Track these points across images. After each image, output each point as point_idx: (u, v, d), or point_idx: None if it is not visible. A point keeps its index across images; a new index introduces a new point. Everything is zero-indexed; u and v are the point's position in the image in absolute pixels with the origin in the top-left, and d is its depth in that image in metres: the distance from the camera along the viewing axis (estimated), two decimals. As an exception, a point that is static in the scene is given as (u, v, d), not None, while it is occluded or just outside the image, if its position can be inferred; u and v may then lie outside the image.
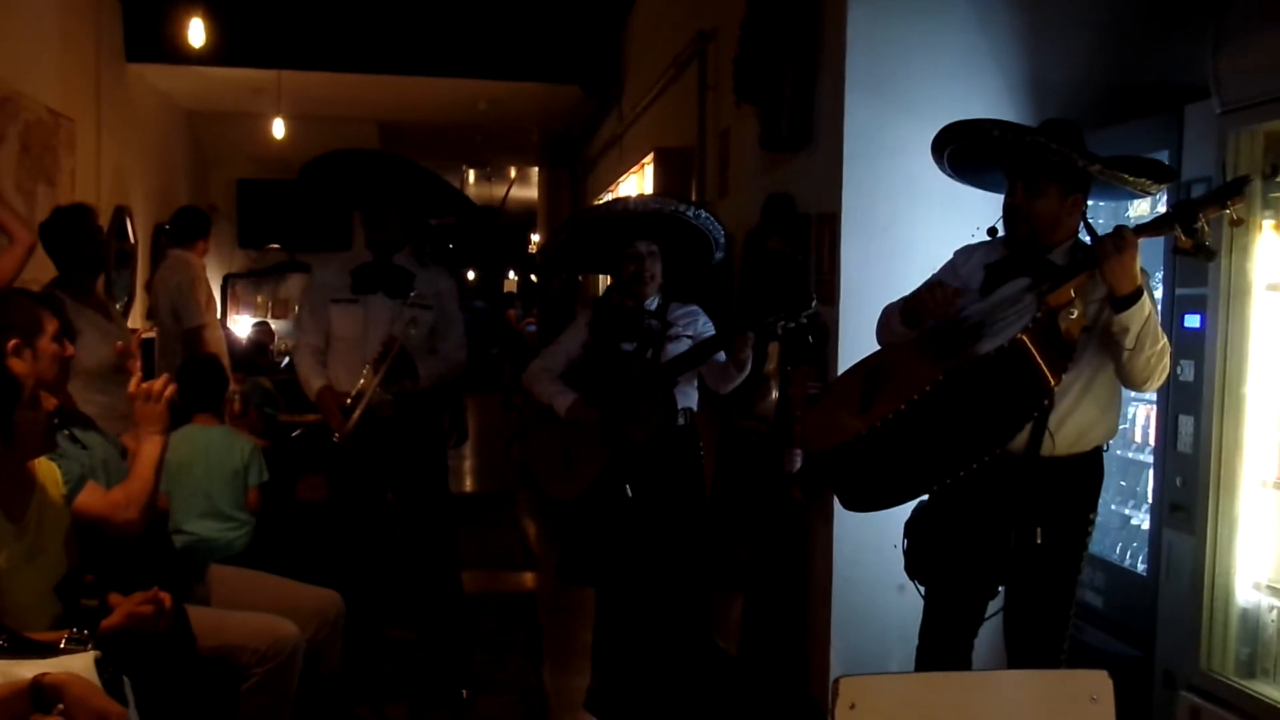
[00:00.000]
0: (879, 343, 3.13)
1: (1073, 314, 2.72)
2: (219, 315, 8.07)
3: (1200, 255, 2.72)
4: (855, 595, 3.91)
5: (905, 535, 3.14)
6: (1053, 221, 2.89)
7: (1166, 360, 2.82)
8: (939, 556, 3.06)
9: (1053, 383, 2.71)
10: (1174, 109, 3.33)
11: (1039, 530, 2.88)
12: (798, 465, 4.00)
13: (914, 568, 3.11)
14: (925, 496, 3.08)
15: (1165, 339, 2.80)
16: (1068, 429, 2.88)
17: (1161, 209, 3.32)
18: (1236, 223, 2.76)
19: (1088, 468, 2.97)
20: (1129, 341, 2.74)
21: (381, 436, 3.90)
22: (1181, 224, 2.67)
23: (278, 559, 4.33)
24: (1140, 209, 3.60)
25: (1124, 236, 2.69)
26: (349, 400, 3.83)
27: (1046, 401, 2.77)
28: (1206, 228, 2.66)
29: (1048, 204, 2.88)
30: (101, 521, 2.75)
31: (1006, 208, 2.95)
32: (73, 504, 2.69)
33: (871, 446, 2.75)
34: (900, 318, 3.01)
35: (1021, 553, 2.92)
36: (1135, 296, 2.70)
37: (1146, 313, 2.73)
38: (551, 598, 5.65)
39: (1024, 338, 2.68)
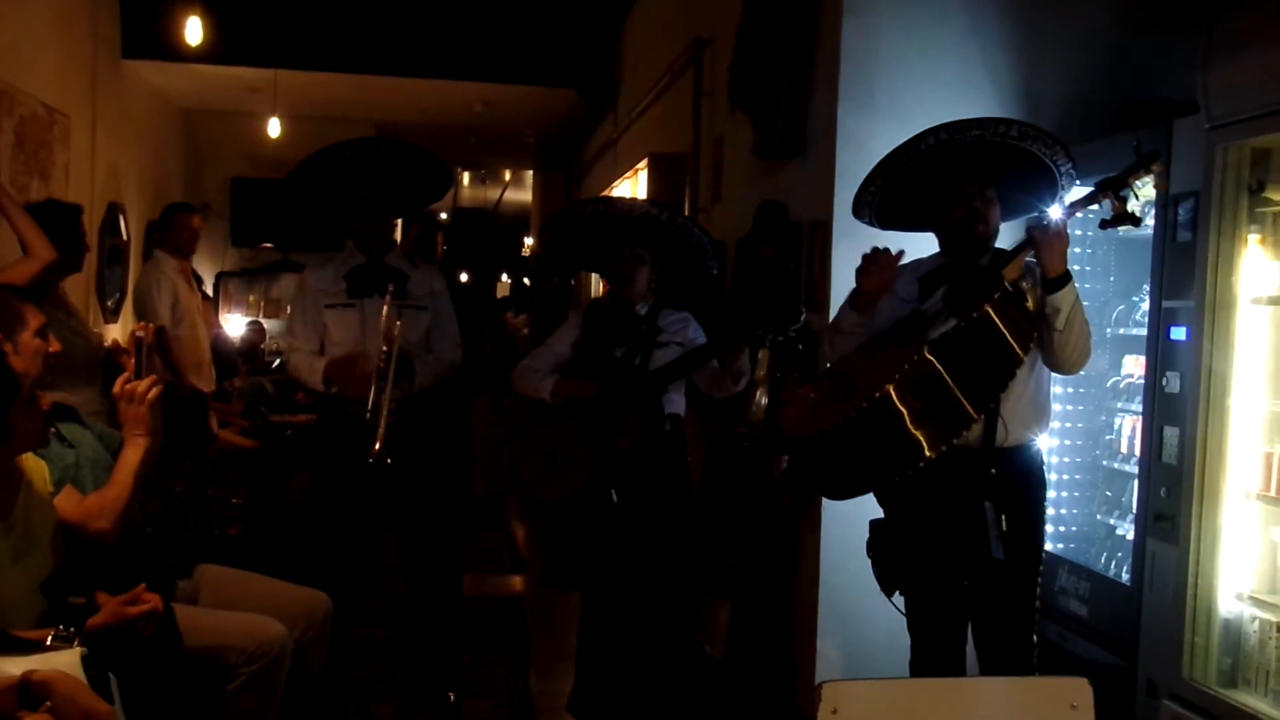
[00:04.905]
0: (828, 359, 3.19)
1: (1026, 284, 2.89)
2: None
3: (1128, 221, 2.89)
4: (841, 601, 3.92)
5: (869, 553, 3.17)
6: (997, 228, 3.08)
7: (1090, 343, 2.98)
8: (911, 565, 3.09)
9: (1020, 353, 2.83)
10: (1163, 123, 3.35)
11: (1003, 518, 2.94)
12: (784, 468, 4.01)
13: (885, 580, 3.15)
14: (881, 514, 3.16)
15: (1089, 324, 2.97)
16: (1019, 417, 3.00)
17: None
18: (1160, 186, 2.97)
19: (1035, 460, 3.11)
20: (1060, 322, 2.89)
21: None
22: (1113, 189, 2.85)
23: (269, 558, 4.34)
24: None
25: (1057, 222, 2.85)
26: (367, 415, 3.75)
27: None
28: (1133, 193, 2.90)
29: (996, 211, 3.07)
30: (75, 528, 2.72)
31: (963, 214, 3.06)
32: None
33: (859, 428, 2.81)
34: (850, 305, 3.13)
35: (987, 546, 2.95)
36: (1066, 278, 2.86)
37: (1075, 295, 2.89)
38: (538, 601, 5.65)
39: (988, 309, 2.81)
